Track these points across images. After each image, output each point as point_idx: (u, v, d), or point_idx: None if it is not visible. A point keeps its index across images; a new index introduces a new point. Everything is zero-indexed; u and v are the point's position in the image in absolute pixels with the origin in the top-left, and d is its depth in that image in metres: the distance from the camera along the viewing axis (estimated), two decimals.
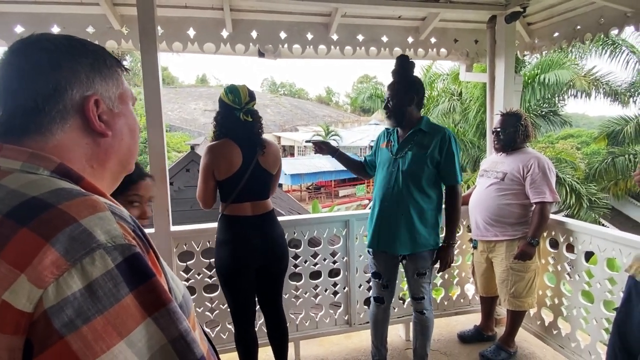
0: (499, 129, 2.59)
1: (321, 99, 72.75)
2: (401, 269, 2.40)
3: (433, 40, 3.14)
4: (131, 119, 0.70)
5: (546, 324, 2.68)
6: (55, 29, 2.45)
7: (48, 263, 0.45)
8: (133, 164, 0.74)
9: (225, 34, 2.73)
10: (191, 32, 2.68)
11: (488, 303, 2.82)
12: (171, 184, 6.26)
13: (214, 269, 2.49)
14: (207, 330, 2.55)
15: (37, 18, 2.42)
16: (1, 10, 2.39)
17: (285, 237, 2.21)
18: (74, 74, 0.60)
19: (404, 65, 2.18)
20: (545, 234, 2.65)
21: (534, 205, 2.44)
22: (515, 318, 2.59)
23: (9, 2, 2.37)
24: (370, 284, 2.47)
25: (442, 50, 3.20)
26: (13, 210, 0.50)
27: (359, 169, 2.56)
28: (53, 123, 0.59)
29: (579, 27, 2.85)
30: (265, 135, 2.11)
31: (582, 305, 2.43)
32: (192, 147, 6.80)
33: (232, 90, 1.98)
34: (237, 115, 1.97)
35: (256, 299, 2.18)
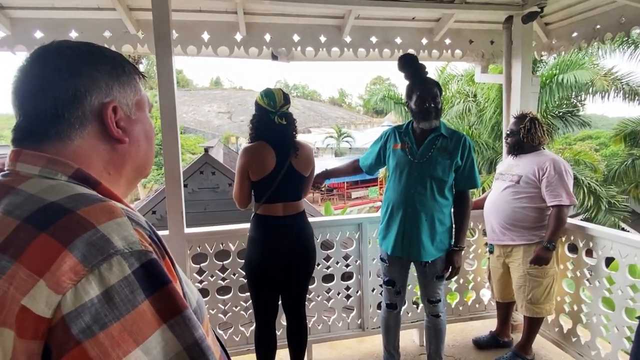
0: (507, 132, 2.58)
1: (334, 101, 72.78)
2: (413, 273, 2.38)
3: (448, 41, 3.10)
4: (148, 125, 0.71)
5: (565, 331, 2.61)
6: (73, 34, 2.50)
7: (66, 269, 0.46)
8: (149, 170, 0.74)
9: (239, 37, 2.75)
10: (205, 36, 2.70)
11: (504, 308, 2.77)
12: (185, 185, 6.32)
13: (227, 271, 2.52)
14: (220, 332, 2.56)
15: (55, 23, 2.47)
16: (21, 16, 2.45)
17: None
18: (93, 81, 0.61)
19: (422, 66, 2.17)
20: (563, 239, 2.60)
21: (551, 209, 2.38)
22: (533, 324, 2.53)
23: (28, 8, 2.43)
24: (382, 290, 2.44)
25: (457, 51, 3.16)
26: (32, 215, 0.50)
27: (356, 170, 2.56)
28: (72, 129, 0.60)
29: (598, 26, 2.78)
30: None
31: (602, 313, 2.37)
32: (206, 150, 6.86)
33: (267, 93, 2.03)
34: (272, 118, 2.01)
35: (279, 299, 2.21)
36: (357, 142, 30.91)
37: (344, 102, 74.61)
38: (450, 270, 2.21)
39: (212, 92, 54.83)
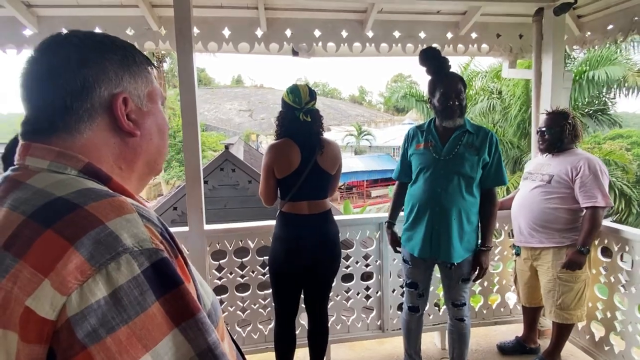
0: (544, 129, 2.43)
1: (354, 99, 72.44)
2: (435, 274, 2.30)
3: (474, 35, 3.00)
4: (160, 118, 0.68)
5: (596, 339, 2.49)
6: (97, 31, 2.52)
7: (72, 268, 0.43)
8: (161, 165, 0.71)
9: (259, 33, 2.72)
10: (226, 32, 2.69)
11: (531, 313, 2.65)
12: (206, 182, 6.38)
13: (246, 269, 2.51)
14: (238, 330, 2.55)
15: (80, 21, 2.51)
16: (46, 14, 2.50)
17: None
18: (102, 71, 0.58)
19: (445, 60, 2.09)
20: (596, 242, 2.47)
21: (584, 211, 2.26)
22: (562, 331, 2.42)
23: (54, 6, 2.47)
24: (404, 292, 2.38)
25: (484, 45, 3.06)
26: (38, 210, 0.48)
27: (403, 189, 2.30)
28: (81, 122, 0.57)
29: (636, 18, 2.62)
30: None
31: (638, 321, 2.24)
32: (227, 147, 6.91)
33: (292, 90, 2.00)
34: (297, 115, 1.98)
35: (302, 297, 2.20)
36: (377, 140, 30.68)
37: (364, 100, 74.16)
38: (477, 271, 2.13)
39: (234, 90, 55.41)
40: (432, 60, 2.10)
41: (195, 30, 2.60)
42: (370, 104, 72.23)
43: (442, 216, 2.04)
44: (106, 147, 0.59)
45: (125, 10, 2.49)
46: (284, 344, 2.16)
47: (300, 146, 1.98)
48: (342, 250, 2.60)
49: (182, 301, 0.47)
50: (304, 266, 2.04)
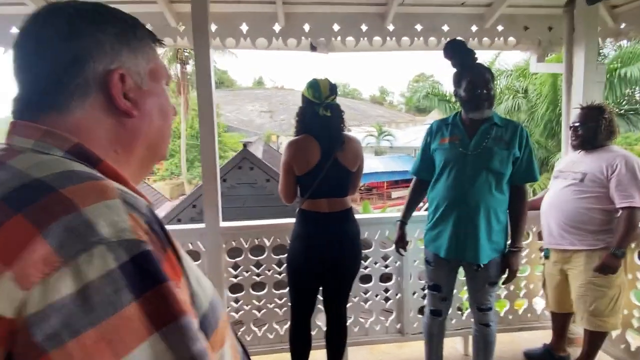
0: (577, 124, 2.29)
1: (375, 99, 71.97)
2: (460, 277, 2.20)
3: (500, 28, 2.87)
4: (163, 98, 0.62)
5: (632, 349, 2.33)
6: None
7: (37, 258, 0.37)
8: (165, 150, 0.65)
9: (277, 28, 2.68)
10: (244, 28, 2.66)
11: (561, 320, 2.51)
12: (224, 180, 6.40)
13: (262, 267, 2.47)
14: (254, 329, 2.51)
15: None
16: None
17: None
18: (97, 44, 0.53)
19: (471, 51, 1.99)
20: (632, 245, 2.32)
21: (620, 211, 2.12)
22: (595, 339, 2.27)
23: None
24: (425, 295, 2.28)
25: (511, 39, 2.92)
26: (11, 193, 0.42)
27: (421, 187, 2.21)
28: (72, 99, 0.52)
29: None
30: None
31: None
32: (245, 145, 6.92)
33: (312, 84, 1.96)
34: (316, 110, 1.94)
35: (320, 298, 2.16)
36: (398, 140, 30.30)
37: (385, 100, 73.56)
38: (507, 274, 2.03)
39: (255, 92, 55.92)
40: (458, 52, 2.01)
41: (213, 26, 2.58)
42: (391, 104, 71.62)
43: (469, 214, 1.93)
44: (100, 128, 0.54)
45: (143, 6, 2.49)
46: (299, 344, 2.11)
47: (320, 142, 1.93)
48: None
49: (165, 301, 0.41)
50: (323, 265, 1.98)
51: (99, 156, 0.52)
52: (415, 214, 2.31)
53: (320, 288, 2.13)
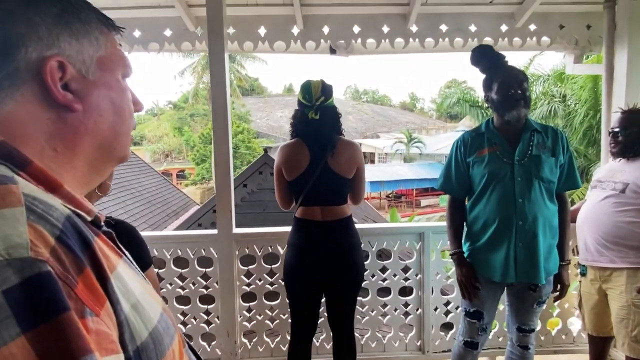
0: (617, 129, 2.09)
1: (405, 105, 71.09)
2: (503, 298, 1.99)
3: (532, 27, 2.70)
4: (117, 91, 0.55)
5: None
6: (137, 33, 2.56)
7: None
8: (123, 149, 0.57)
9: (295, 31, 2.63)
10: (262, 31, 2.63)
11: (599, 344, 2.28)
12: (245, 185, 6.39)
13: (275, 276, 2.39)
14: (266, 339, 2.43)
15: (121, 23, 2.51)
16: None
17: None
18: (30, 26, 0.46)
19: (501, 55, 1.85)
20: None
21: None
22: None
23: (100, 9, 2.53)
24: (448, 310, 2.11)
25: (544, 38, 2.74)
26: None
27: (460, 207, 1.96)
28: (0, 89, 0.46)
29: None
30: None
31: None
32: (266, 150, 6.90)
33: (303, 86, 1.90)
34: (306, 113, 1.87)
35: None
36: (428, 147, 29.73)
37: (415, 106, 72.51)
38: (560, 290, 1.90)
39: (285, 99, 56.54)
40: (485, 56, 1.84)
41: (231, 30, 2.56)
42: (421, 110, 70.53)
43: (527, 231, 1.75)
44: (35, 123, 0.47)
45: (162, 11, 2.50)
46: None
47: (310, 147, 1.85)
48: (379, 262, 2.42)
49: (62, 337, 0.33)
50: (317, 277, 1.88)
51: (27, 156, 0.45)
52: (436, 223, 2.17)
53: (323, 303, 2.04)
